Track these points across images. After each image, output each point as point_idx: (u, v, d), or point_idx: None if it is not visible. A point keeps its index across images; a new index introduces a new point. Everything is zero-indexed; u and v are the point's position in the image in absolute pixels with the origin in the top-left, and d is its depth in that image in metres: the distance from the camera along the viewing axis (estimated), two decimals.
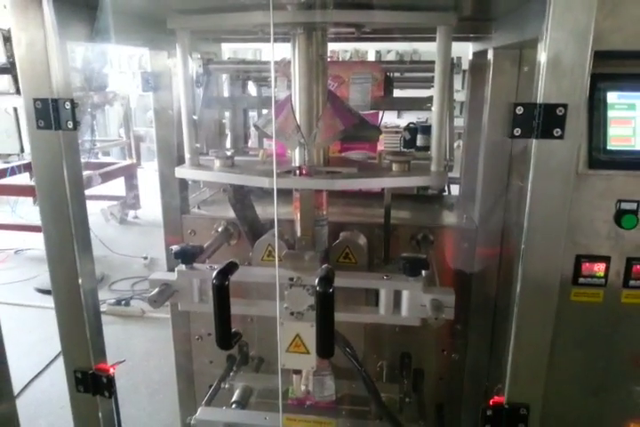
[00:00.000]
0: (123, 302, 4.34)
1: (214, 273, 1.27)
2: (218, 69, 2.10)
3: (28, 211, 5.65)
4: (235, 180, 1.43)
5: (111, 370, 1.48)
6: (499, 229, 1.73)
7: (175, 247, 1.50)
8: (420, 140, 2.40)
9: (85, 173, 5.28)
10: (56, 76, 1.29)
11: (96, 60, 4.92)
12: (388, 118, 5.38)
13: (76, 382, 1.48)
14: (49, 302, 1.49)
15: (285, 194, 1.53)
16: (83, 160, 5.51)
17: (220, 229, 1.90)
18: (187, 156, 1.55)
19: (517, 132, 1.11)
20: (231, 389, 1.80)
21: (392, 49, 8.68)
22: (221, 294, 1.25)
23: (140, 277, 4.81)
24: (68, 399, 1.55)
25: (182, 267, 1.49)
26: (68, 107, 1.30)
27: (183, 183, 1.96)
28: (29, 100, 1.31)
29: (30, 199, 5.57)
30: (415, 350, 1.92)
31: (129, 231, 6.52)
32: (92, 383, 1.47)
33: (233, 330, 1.30)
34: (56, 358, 3.39)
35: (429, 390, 1.94)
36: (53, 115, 1.30)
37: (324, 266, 1.25)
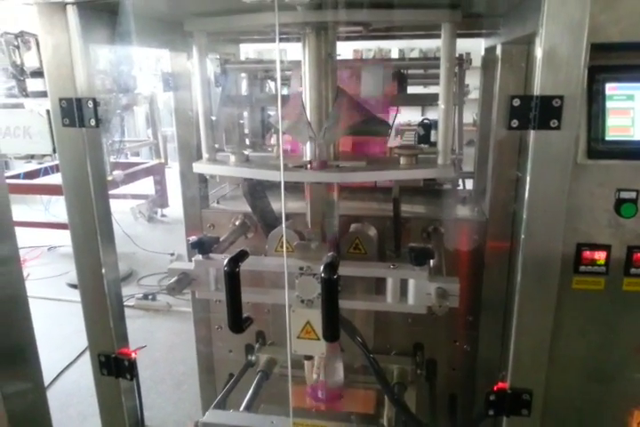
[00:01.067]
0: (150, 297, 4.47)
1: (225, 260, 1.33)
2: (235, 69, 2.17)
3: (61, 210, 5.83)
4: (247, 174, 1.49)
5: (133, 355, 1.56)
6: (509, 222, 1.75)
7: (192, 238, 1.57)
8: (434, 136, 2.43)
9: (115, 172, 5.44)
10: (80, 77, 1.38)
11: (124, 63, 5.07)
12: (412, 116, 5.38)
13: (100, 365, 1.57)
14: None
15: (302, 189, 1.59)
16: (112, 160, 5.66)
17: (237, 223, 1.97)
18: (204, 152, 1.62)
19: (515, 123, 1.15)
20: (257, 360, 1.88)
21: (415, 47, 8.65)
22: (232, 280, 1.31)
23: (166, 273, 4.93)
24: None
25: (199, 257, 1.56)
26: (90, 105, 1.39)
27: (203, 179, 2.03)
28: (55, 99, 1.40)
29: (62, 198, 5.75)
30: (428, 341, 1.96)
31: (157, 229, 6.68)
32: (114, 367, 1.56)
33: (245, 315, 1.36)
34: (85, 350, 3.50)
35: (442, 381, 1.97)
36: (77, 113, 1.39)
37: (329, 254, 1.30)
